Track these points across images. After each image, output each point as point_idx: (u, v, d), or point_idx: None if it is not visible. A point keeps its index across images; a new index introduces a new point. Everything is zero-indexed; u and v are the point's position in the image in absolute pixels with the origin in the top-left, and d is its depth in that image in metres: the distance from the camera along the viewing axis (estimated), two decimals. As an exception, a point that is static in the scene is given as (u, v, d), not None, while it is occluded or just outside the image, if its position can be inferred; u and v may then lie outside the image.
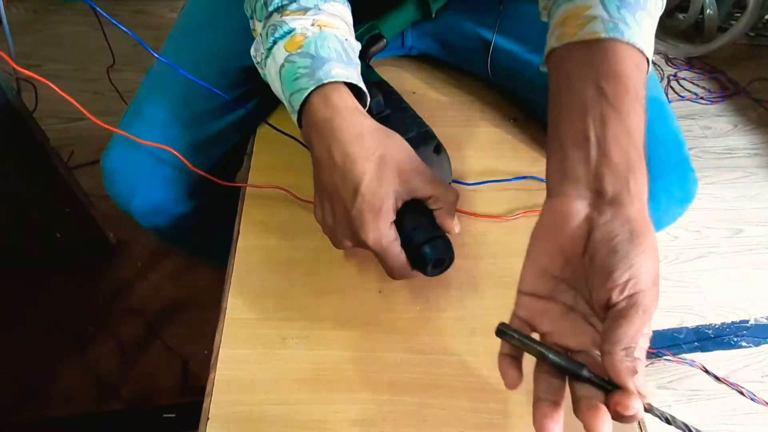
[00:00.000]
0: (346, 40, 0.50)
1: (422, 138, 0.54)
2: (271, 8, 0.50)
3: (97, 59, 1.40)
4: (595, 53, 0.38)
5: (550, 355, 0.34)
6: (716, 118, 1.56)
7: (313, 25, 0.48)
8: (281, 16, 0.49)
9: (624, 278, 0.33)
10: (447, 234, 0.47)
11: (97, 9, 0.52)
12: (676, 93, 1.62)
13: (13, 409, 0.97)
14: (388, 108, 0.56)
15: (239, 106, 0.64)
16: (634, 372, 0.31)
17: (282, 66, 0.48)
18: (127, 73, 1.37)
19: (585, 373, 0.33)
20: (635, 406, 0.31)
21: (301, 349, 0.50)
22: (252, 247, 0.57)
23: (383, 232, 0.44)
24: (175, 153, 0.59)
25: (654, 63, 1.66)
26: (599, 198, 0.35)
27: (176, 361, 1.03)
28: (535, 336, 0.37)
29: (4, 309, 1.08)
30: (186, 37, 0.68)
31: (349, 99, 0.47)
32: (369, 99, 0.50)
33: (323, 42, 0.47)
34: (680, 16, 1.76)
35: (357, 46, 0.52)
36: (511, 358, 0.36)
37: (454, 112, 0.71)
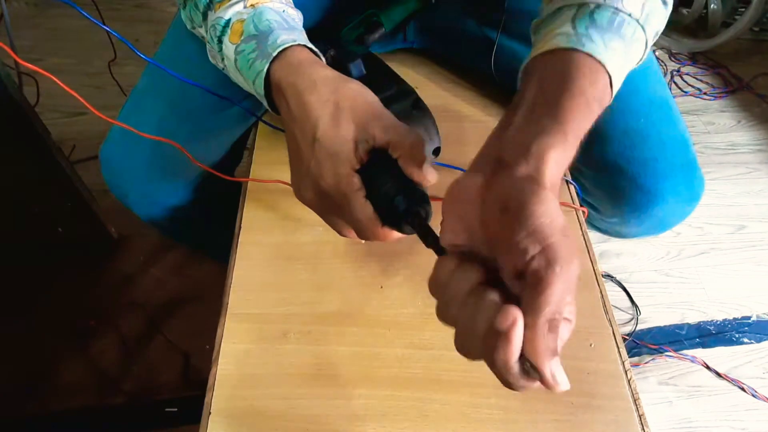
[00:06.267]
0: (284, 11, 0.49)
1: (400, 94, 0.52)
2: (202, 8, 0.49)
3: (99, 53, 1.40)
4: (550, 59, 0.39)
5: None
6: (719, 113, 1.55)
7: (246, 6, 0.47)
8: (215, 13, 0.48)
9: (526, 232, 0.28)
10: (423, 186, 0.42)
11: (79, 9, 0.51)
12: (679, 88, 1.61)
13: (15, 403, 0.97)
14: (369, 72, 0.54)
15: (235, 102, 0.64)
16: (554, 353, 0.28)
17: (236, 60, 0.47)
18: (128, 67, 1.38)
19: None
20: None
21: (302, 344, 0.50)
22: (253, 242, 0.57)
23: (343, 178, 0.41)
24: (178, 146, 0.58)
25: (657, 58, 1.65)
26: (498, 165, 0.34)
27: (178, 355, 1.03)
28: None
29: (6, 303, 1.08)
30: (185, 30, 0.68)
31: (303, 54, 0.46)
32: (323, 57, 0.48)
33: (260, 17, 0.47)
34: (684, 11, 1.75)
35: (297, 15, 0.51)
36: None
37: (457, 108, 0.70)
